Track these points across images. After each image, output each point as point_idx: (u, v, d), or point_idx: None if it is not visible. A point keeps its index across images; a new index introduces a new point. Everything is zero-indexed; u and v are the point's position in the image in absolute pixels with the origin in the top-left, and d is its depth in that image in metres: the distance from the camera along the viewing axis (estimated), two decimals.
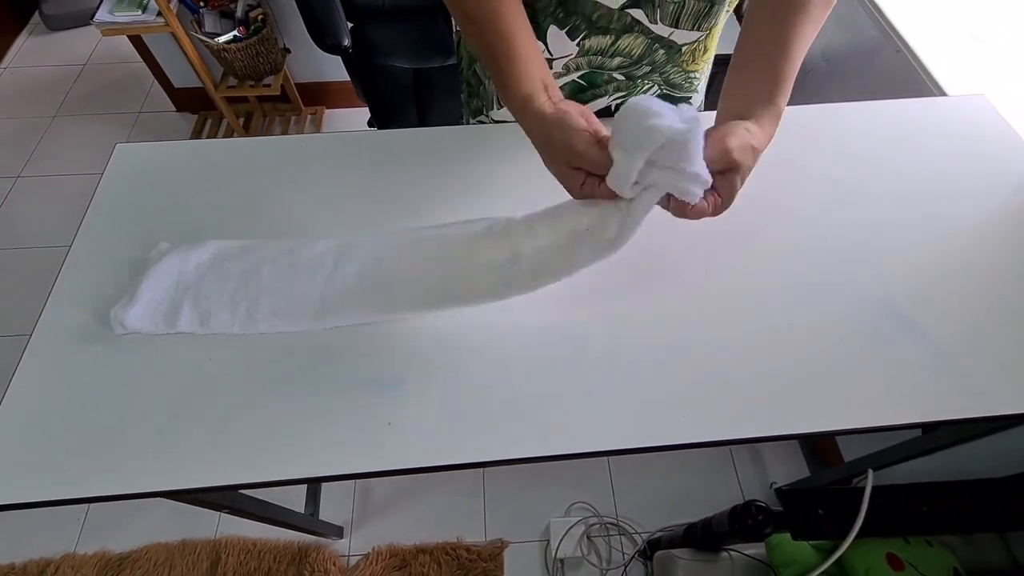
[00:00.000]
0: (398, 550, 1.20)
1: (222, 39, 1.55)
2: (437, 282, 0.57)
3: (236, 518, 0.86)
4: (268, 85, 1.75)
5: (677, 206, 0.46)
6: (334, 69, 1.92)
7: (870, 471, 0.75)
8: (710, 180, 0.43)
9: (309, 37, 1.14)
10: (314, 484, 1.24)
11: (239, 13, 1.58)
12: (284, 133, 1.99)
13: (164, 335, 0.57)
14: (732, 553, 0.84)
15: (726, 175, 0.45)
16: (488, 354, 0.56)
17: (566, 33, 0.63)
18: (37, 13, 2.43)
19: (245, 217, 0.66)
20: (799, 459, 1.32)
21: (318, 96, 2.03)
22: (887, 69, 1.05)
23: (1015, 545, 0.80)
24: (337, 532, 1.22)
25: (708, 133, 0.44)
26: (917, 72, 0.97)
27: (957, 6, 1.07)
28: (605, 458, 1.33)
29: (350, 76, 1.26)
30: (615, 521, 1.25)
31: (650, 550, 1.16)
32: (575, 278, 0.53)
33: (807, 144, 0.73)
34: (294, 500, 1.18)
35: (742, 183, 0.46)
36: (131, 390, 0.54)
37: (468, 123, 0.82)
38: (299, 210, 0.67)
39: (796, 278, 0.61)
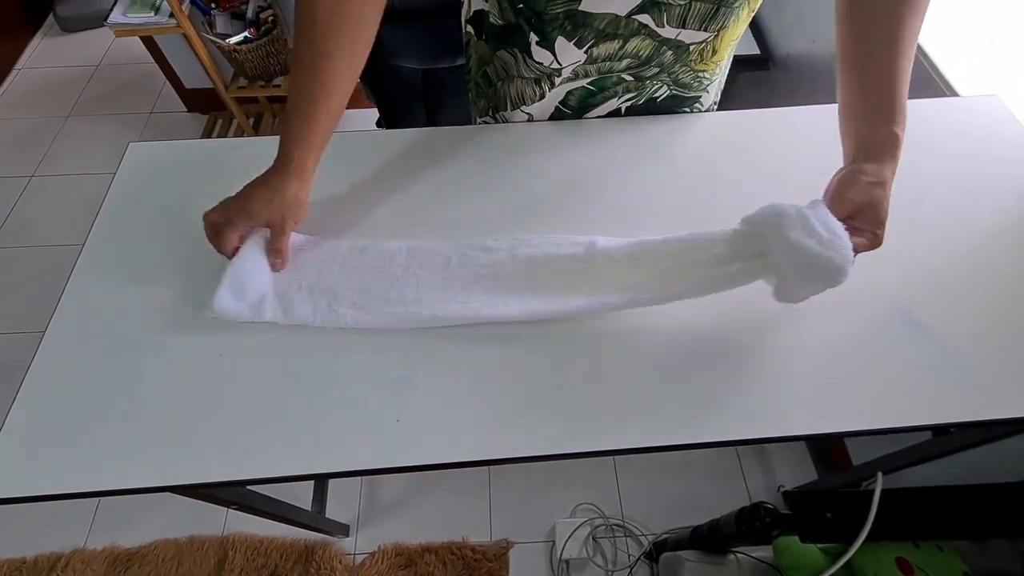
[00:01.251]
0: (404, 549, 1.20)
1: (233, 40, 1.57)
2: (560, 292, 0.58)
3: (244, 516, 0.86)
4: (278, 86, 1.76)
5: None
6: None
7: (879, 474, 0.74)
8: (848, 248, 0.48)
9: None
10: (321, 482, 1.24)
11: (250, 14, 1.59)
12: None
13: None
14: (739, 555, 0.83)
15: (866, 212, 0.49)
16: (497, 353, 0.56)
17: (574, 44, 0.63)
18: (51, 15, 2.47)
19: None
20: (807, 463, 1.31)
21: None
22: None
23: None
24: (343, 530, 1.23)
25: (831, 185, 0.51)
26: (929, 73, 0.96)
27: (971, 8, 1.06)
28: (611, 460, 1.33)
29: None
30: (621, 523, 1.25)
31: (656, 552, 1.16)
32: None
33: (818, 143, 0.72)
34: (301, 498, 1.18)
35: (884, 210, 0.50)
36: (141, 386, 0.54)
37: (475, 123, 0.82)
38: (312, 209, 0.67)
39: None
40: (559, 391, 0.54)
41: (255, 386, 0.55)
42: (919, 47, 0.99)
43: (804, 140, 0.73)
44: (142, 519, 1.27)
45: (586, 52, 0.64)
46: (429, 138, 0.74)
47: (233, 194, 0.57)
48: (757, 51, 1.52)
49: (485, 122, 0.79)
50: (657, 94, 0.74)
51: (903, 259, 0.62)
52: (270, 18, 1.62)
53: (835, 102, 0.79)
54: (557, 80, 0.68)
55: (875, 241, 0.50)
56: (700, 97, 0.75)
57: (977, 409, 0.53)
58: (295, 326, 0.58)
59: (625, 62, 0.66)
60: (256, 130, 1.97)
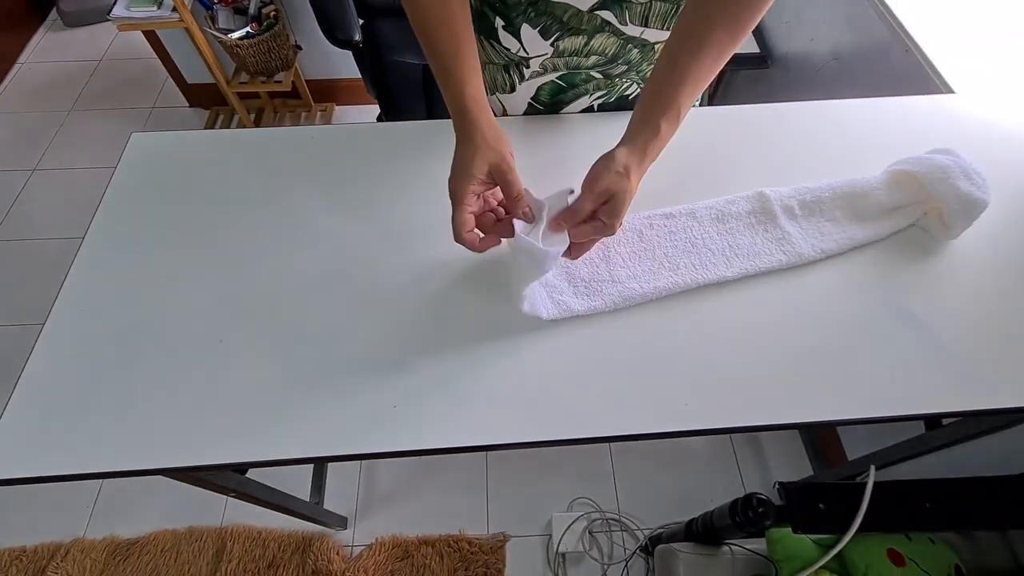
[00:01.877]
0: (401, 541, 1.21)
1: (235, 35, 1.57)
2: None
3: (242, 507, 0.87)
4: (279, 81, 1.77)
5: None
6: (345, 66, 1.94)
7: (872, 467, 0.75)
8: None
9: (320, 34, 1.16)
10: (319, 473, 1.25)
11: (252, 10, 1.60)
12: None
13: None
14: (733, 547, 0.84)
15: (609, 203, 0.50)
16: (493, 339, 0.57)
17: (539, 33, 0.65)
18: (55, 9, 2.48)
19: (258, 206, 0.67)
20: (803, 458, 1.32)
21: (328, 93, 2.05)
22: (897, 68, 1.05)
23: (1017, 545, 0.79)
24: (341, 522, 1.23)
25: (589, 173, 0.52)
26: (926, 71, 0.97)
27: (966, 7, 1.07)
28: (608, 455, 1.34)
29: (360, 72, 1.27)
30: (617, 517, 1.26)
31: (652, 546, 1.16)
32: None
33: (812, 139, 0.74)
34: (300, 489, 1.19)
35: (625, 204, 0.50)
36: (141, 372, 0.55)
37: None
38: (312, 199, 0.68)
39: (801, 272, 0.62)
40: (555, 379, 0.55)
41: (253, 372, 0.55)
42: (914, 43, 1.00)
43: (791, 133, 0.74)
44: (141, 510, 1.28)
45: (552, 45, 0.66)
46: (429, 130, 0.75)
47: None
48: (756, 49, 1.52)
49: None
50: (628, 91, 0.75)
51: (898, 253, 0.63)
52: (272, 13, 1.63)
53: (829, 98, 0.80)
54: (527, 72, 0.70)
55: (607, 231, 0.51)
56: None
57: (969, 399, 0.54)
58: (289, 312, 0.59)
59: (593, 59, 0.68)
60: (257, 125, 1.98)
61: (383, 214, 0.67)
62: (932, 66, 0.96)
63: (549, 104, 0.76)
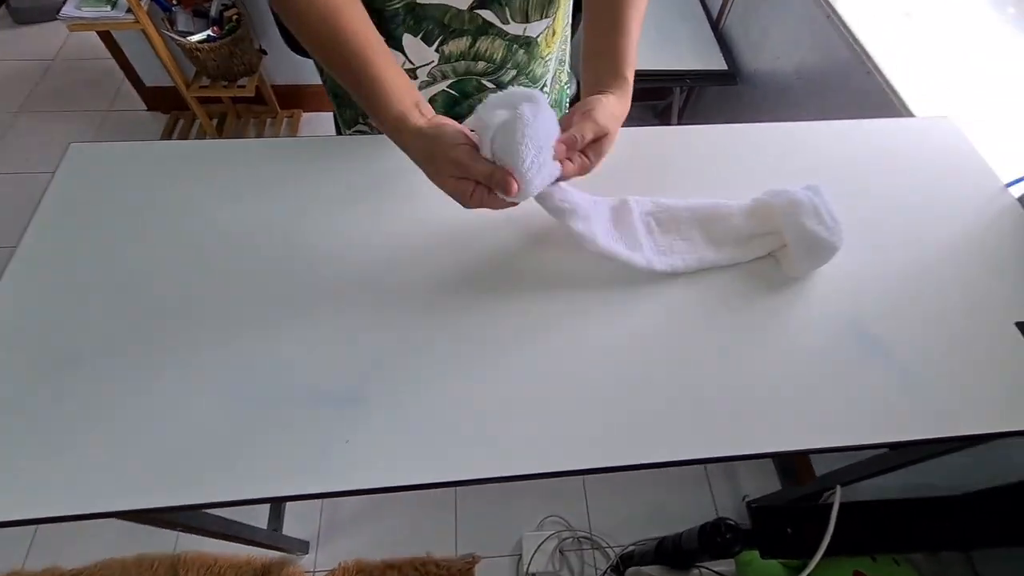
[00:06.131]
0: (365, 565, 1.17)
1: (194, 38, 1.52)
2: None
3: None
4: (242, 86, 1.71)
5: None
6: (311, 72, 1.89)
7: (838, 488, 0.75)
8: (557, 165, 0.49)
9: None
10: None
11: (213, 12, 1.54)
12: (259, 135, 1.95)
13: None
14: (702, 570, 0.83)
15: (599, 141, 0.51)
16: (453, 369, 0.54)
17: (421, 39, 0.63)
18: (4, 6, 2.35)
19: (203, 223, 0.63)
20: (772, 474, 1.33)
21: (295, 99, 1.99)
22: (858, 90, 1.07)
23: (978, 562, 0.81)
24: (302, 547, 1.18)
25: (577, 109, 0.51)
26: (887, 94, 0.99)
27: (927, 30, 1.10)
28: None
29: (321, 79, 1.23)
30: (588, 535, 1.24)
31: (623, 565, 1.15)
32: (537, 293, 0.59)
33: (776, 161, 0.74)
34: (258, 516, 1.14)
35: (610, 146, 0.52)
36: (74, 405, 0.51)
37: (343, 134, 0.80)
38: (260, 216, 0.64)
39: (766, 298, 0.61)
40: (518, 411, 0.53)
41: (196, 405, 0.51)
42: (875, 65, 1.02)
43: (756, 153, 0.74)
44: (85, 538, 1.20)
45: (437, 50, 0.64)
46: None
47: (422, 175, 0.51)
48: (725, 66, 1.54)
49: (358, 131, 0.78)
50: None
51: (859, 277, 0.63)
52: (235, 17, 1.57)
53: (792, 118, 0.81)
54: (416, 84, 0.68)
55: (586, 168, 0.52)
56: (545, 77, 0.75)
57: (933, 427, 0.54)
58: (234, 338, 0.55)
59: (482, 65, 0.67)
60: (220, 131, 1.91)
61: (339, 234, 0.63)
62: (893, 89, 0.98)
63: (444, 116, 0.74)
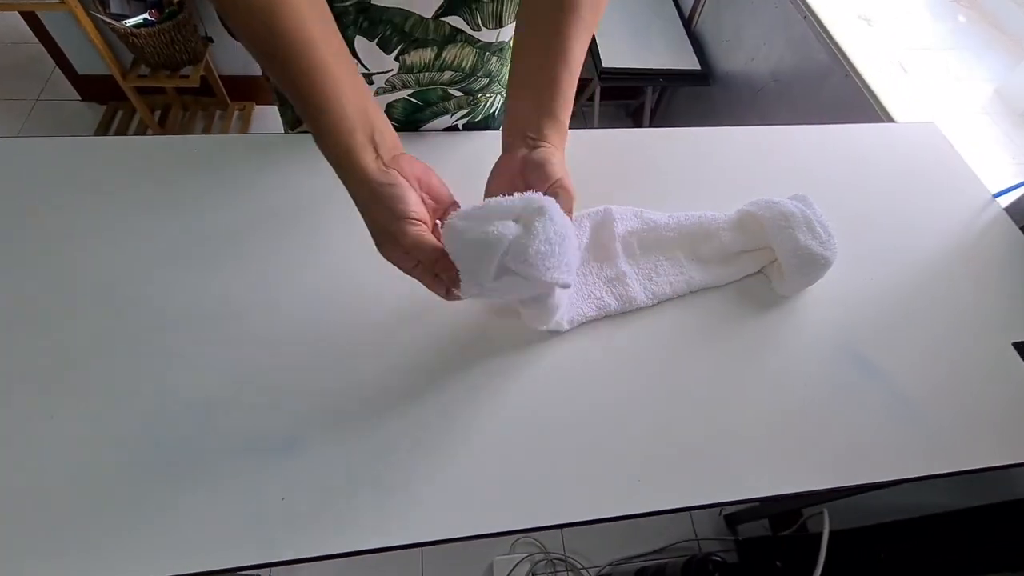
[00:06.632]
0: None
1: (130, 22, 1.38)
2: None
3: None
4: (186, 76, 1.57)
5: None
6: None
7: (825, 513, 0.71)
8: (571, 278, 0.41)
9: None
10: None
11: None
12: (207, 130, 1.81)
13: None
14: None
15: (561, 190, 0.41)
16: (403, 412, 0.47)
17: (377, 45, 0.54)
18: None
19: (113, 233, 0.54)
20: None
21: (247, 90, 1.86)
22: (836, 93, 1.04)
23: None
24: None
25: (514, 161, 0.42)
26: (865, 97, 0.96)
27: (901, 34, 1.08)
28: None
29: (263, 71, 1.13)
30: (563, 556, 1.18)
31: None
32: (505, 320, 0.50)
33: (755, 168, 0.69)
34: None
35: (563, 172, 0.42)
36: None
37: (288, 134, 0.70)
38: (180, 228, 0.55)
39: (754, 320, 0.56)
40: (481, 456, 0.45)
41: (97, 458, 0.42)
42: (853, 69, 0.99)
43: (736, 162, 0.69)
44: None
45: (397, 59, 0.56)
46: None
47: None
48: (698, 66, 1.51)
49: (303, 131, 0.68)
50: (493, 108, 0.67)
51: (848, 296, 0.59)
52: (175, 0, 1.44)
53: (768, 122, 0.76)
54: (372, 90, 0.59)
55: (572, 194, 0.42)
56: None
57: (932, 462, 0.50)
58: (143, 373, 0.46)
59: (448, 74, 0.59)
60: (163, 125, 1.77)
61: (273, 251, 0.54)
62: (872, 93, 0.95)
63: (404, 122, 0.65)
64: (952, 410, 0.53)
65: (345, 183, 0.40)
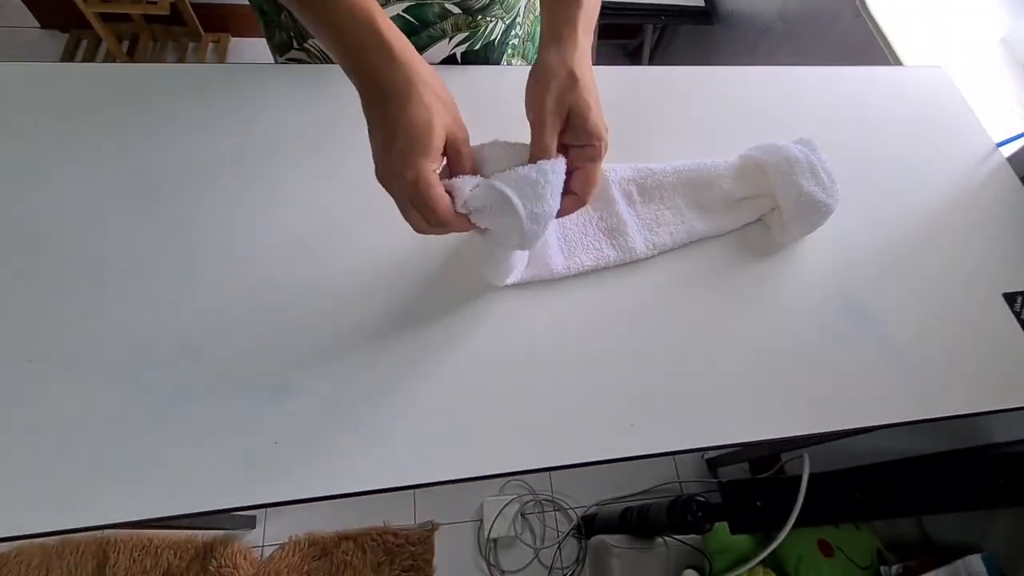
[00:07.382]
0: (318, 538, 1.11)
1: None
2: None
3: None
4: (153, 2, 1.46)
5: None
6: None
7: (806, 457, 0.73)
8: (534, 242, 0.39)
9: None
10: None
11: None
12: (180, 61, 1.70)
13: None
14: (667, 539, 0.82)
15: (572, 131, 0.39)
16: (398, 354, 0.46)
17: None
18: None
19: (94, 165, 0.50)
20: None
21: (222, 21, 1.73)
22: (845, 34, 1.00)
23: (927, 521, 0.83)
24: (248, 522, 1.11)
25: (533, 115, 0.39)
26: (875, 39, 0.92)
27: None
28: None
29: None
30: (550, 497, 1.23)
31: (585, 526, 1.15)
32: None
33: (755, 110, 0.66)
34: None
35: (591, 113, 0.39)
36: None
37: (277, 62, 0.65)
38: (167, 161, 0.52)
39: (752, 269, 0.55)
40: (474, 401, 0.45)
41: (81, 402, 0.41)
42: (865, 8, 0.94)
43: (734, 102, 0.66)
44: None
45: None
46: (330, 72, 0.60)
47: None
48: (701, 3, 1.43)
49: (292, 59, 0.63)
50: (494, 35, 0.62)
51: (844, 241, 0.58)
52: None
53: (772, 63, 0.73)
54: None
55: (600, 152, 0.39)
56: (519, 4, 0.63)
57: (923, 407, 0.51)
58: (130, 317, 0.44)
59: None
60: (131, 55, 1.65)
61: (267, 188, 0.52)
62: (882, 34, 0.91)
63: None
64: (937, 357, 0.53)
65: (376, 73, 0.35)
